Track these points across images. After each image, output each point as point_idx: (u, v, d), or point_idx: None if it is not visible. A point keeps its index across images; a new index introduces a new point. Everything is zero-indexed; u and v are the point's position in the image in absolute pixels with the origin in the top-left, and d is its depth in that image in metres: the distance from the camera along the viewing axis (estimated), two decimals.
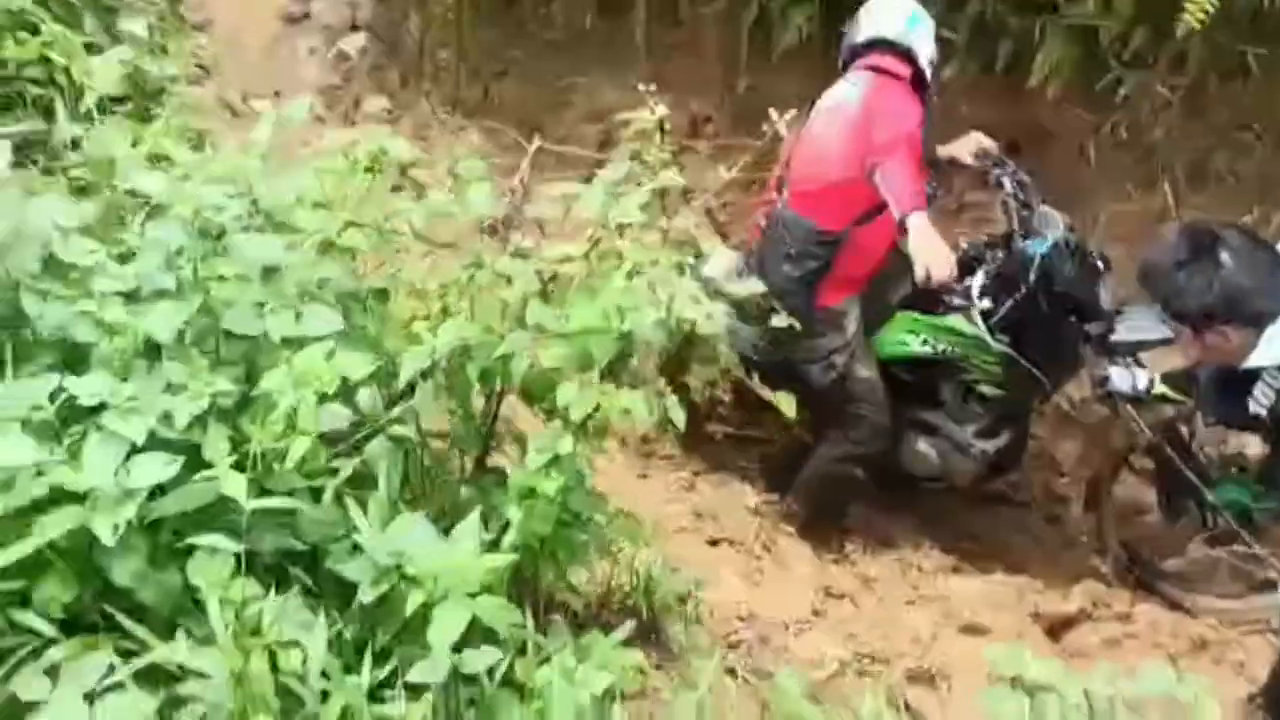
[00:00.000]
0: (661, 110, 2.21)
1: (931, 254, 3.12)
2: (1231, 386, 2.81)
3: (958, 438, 3.65)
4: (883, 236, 3.42)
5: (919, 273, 3.15)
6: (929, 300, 3.48)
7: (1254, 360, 2.68)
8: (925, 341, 3.54)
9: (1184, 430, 3.45)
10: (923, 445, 3.71)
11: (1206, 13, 3.29)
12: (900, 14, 3.51)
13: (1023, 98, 4.31)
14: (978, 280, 3.43)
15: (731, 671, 2.75)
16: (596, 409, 1.63)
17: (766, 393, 2.04)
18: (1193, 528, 3.54)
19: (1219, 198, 4.05)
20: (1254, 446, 3.40)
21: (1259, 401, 2.71)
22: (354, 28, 7.96)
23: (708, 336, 1.79)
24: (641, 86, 2.34)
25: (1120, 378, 3.35)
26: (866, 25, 3.55)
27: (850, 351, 3.53)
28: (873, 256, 3.43)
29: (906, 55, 3.46)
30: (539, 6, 6.15)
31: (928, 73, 3.50)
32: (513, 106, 6.42)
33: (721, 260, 3.71)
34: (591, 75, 6.03)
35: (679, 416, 1.93)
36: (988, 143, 3.69)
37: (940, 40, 4.31)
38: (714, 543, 3.70)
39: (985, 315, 3.43)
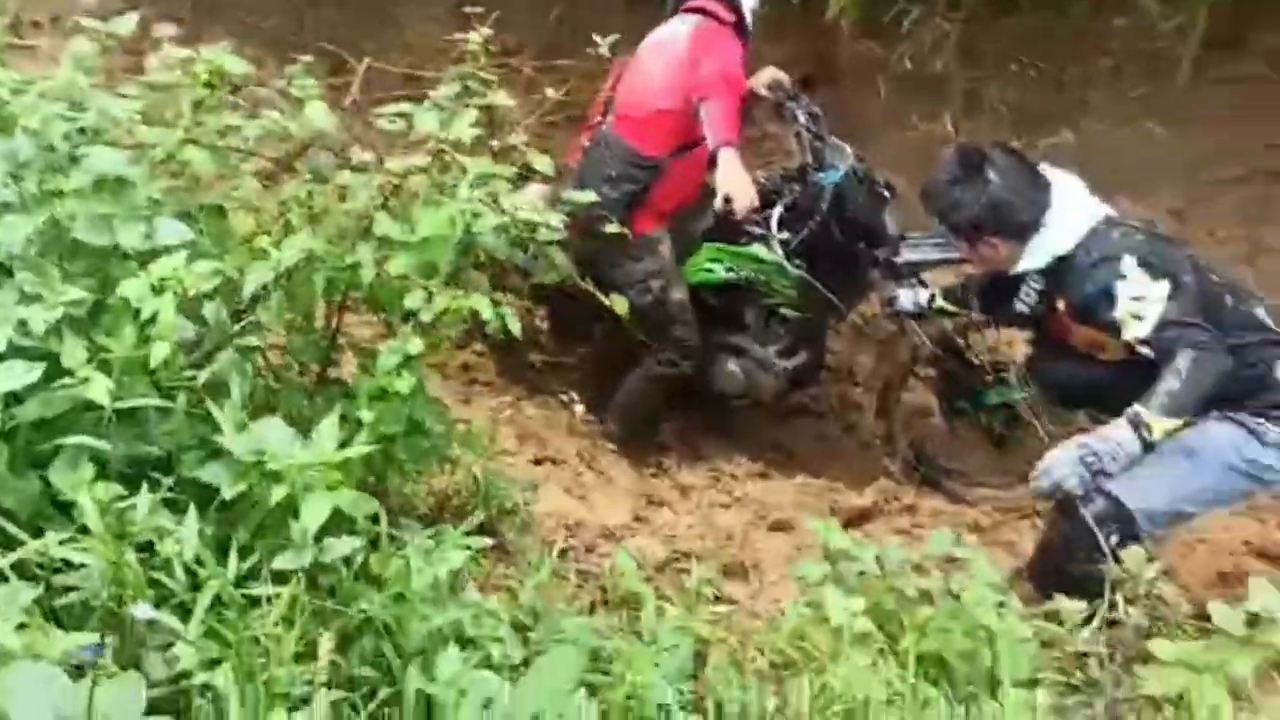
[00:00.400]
0: (486, 32, 2.29)
1: (735, 186, 3.34)
2: (1001, 290, 3.13)
3: (761, 357, 3.88)
4: (696, 169, 3.61)
5: (719, 203, 3.36)
6: (732, 231, 3.68)
7: (1020, 267, 2.99)
8: (729, 269, 3.75)
9: (960, 341, 3.77)
10: (730, 365, 3.93)
11: None
12: None
13: (819, 33, 4.54)
14: (775, 213, 3.62)
15: (562, 575, 2.91)
16: (445, 312, 1.74)
17: (601, 297, 2.17)
18: (970, 427, 3.90)
19: (993, 125, 4.41)
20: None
21: (1024, 301, 3.03)
22: None
23: (547, 245, 1.91)
24: (468, 8, 2.39)
25: (905, 297, 3.61)
26: None
27: (665, 276, 3.71)
28: (685, 187, 3.60)
29: (730, 2, 3.64)
30: None
31: (749, 20, 3.67)
32: (323, 36, 6.25)
33: (530, 194, 3.82)
34: (403, 4, 5.95)
35: (515, 325, 2.05)
36: (781, 76, 3.87)
37: None
38: (538, 461, 3.82)
39: (783, 243, 3.63)
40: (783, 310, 3.81)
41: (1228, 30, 3.94)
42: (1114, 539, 2.78)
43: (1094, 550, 2.85)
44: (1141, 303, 2.59)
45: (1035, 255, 2.87)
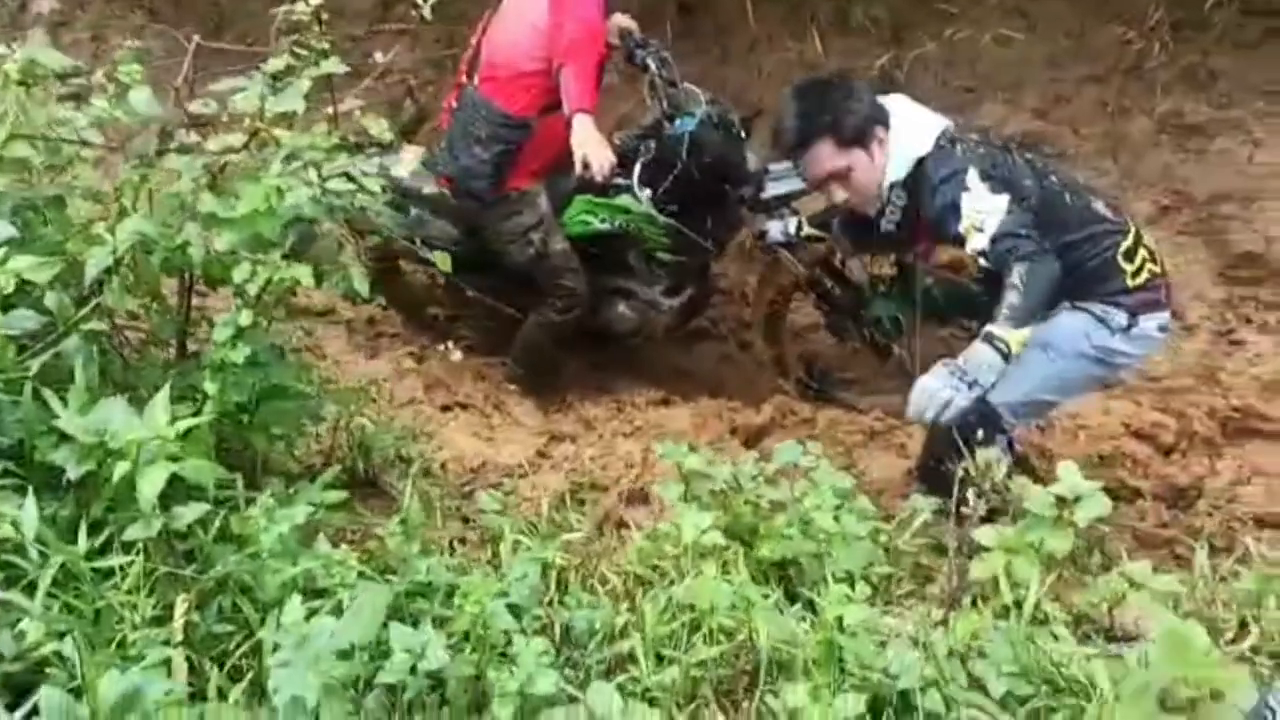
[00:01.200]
0: (315, 1, 2.33)
1: (591, 150, 3.39)
2: (860, 219, 3.20)
3: (649, 298, 3.99)
4: (565, 126, 3.66)
5: (578, 167, 3.42)
6: (600, 185, 3.72)
7: (887, 179, 3.01)
8: (604, 220, 3.82)
9: (836, 261, 3.88)
10: (621, 308, 4.03)
11: None
12: None
13: None
14: (635, 173, 3.63)
15: (465, 518, 3.02)
16: (269, 282, 1.82)
17: (426, 252, 2.26)
18: (855, 340, 4.03)
19: (860, 43, 4.50)
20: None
21: (890, 219, 3.09)
22: None
23: (365, 209, 1.99)
24: None
25: (774, 228, 3.69)
26: None
27: (545, 229, 3.78)
28: (556, 144, 3.58)
29: None
30: None
31: None
32: (193, 2, 6.19)
33: (408, 157, 3.87)
34: None
35: (363, 286, 2.14)
36: (630, 24, 3.90)
37: None
38: (446, 408, 3.94)
39: (646, 189, 3.65)
40: (660, 256, 3.91)
41: None
42: (979, 434, 2.95)
43: (965, 444, 3.04)
44: (983, 215, 2.70)
45: (895, 164, 2.92)
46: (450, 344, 3.44)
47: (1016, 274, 2.62)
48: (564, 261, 3.84)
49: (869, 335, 3.92)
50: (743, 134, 3.70)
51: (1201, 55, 4.09)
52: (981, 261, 2.74)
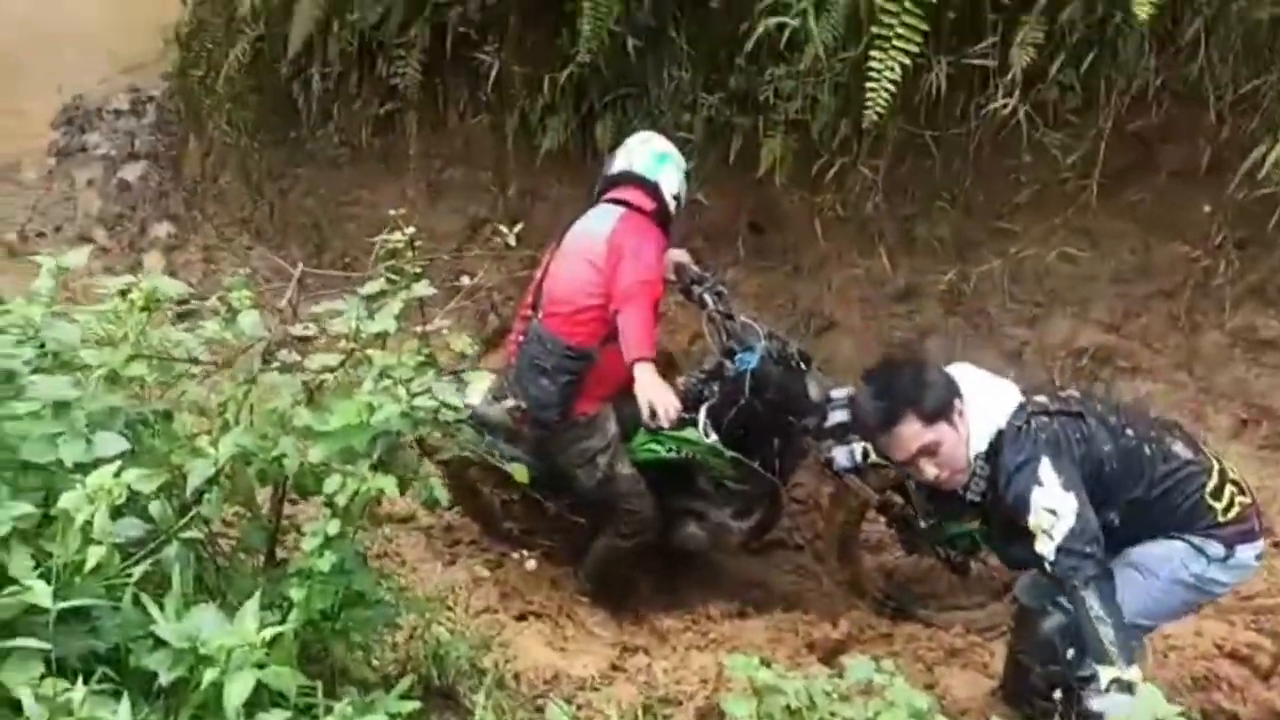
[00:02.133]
0: (410, 230, 2.53)
1: (656, 399, 3.52)
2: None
3: (719, 520, 4.07)
4: None
5: (644, 414, 3.54)
6: None
7: (972, 450, 3.01)
8: (670, 449, 3.93)
9: (909, 484, 3.88)
10: (691, 528, 4.12)
11: (884, 105, 3.86)
12: (650, 151, 3.91)
13: (756, 184, 4.84)
14: (702, 417, 3.77)
15: None
16: (357, 493, 1.93)
17: (503, 462, 2.36)
18: (931, 556, 3.99)
19: (926, 261, 4.66)
20: None
21: (974, 490, 2.99)
22: (133, 156, 8.02)
23: (448, 424, 2.11)
24: (392, 211, 2.64)
25: (841, 455, 3.68)
26: (620, 159, 3.94)
27: (612, 452, 3.88)
28: (621, 369, 3.68)
29: (653, 190, 3.84)
30: (317, 126, 6.39)
31: (672, 207, 3.87)
32: (298, 223, 6.64)
33: (479, 386, 4.03)
34: (370, 188, 6.32)
35: (442, 495, 2.25)
36: (685, 260, 4.12)
37: (681, 141, 4.85)
38: (521, 617, 3.97)
39: (716, 425, 3.80)
40: (728, 484, 4.00)
41: (1132, 154, 4.20)
42: (1070, 652, 2.90)
43: (1052, 663, 2.98)
44: (1052, 519, 2.73)
45: (977, 435, 2.93)
46: (525, 552, 3.51)
47: (1095, 606, 2.64)
48: (631, 486, 3.93)
49: (944, 553, 3.89)
50: (803, 365, 3.81)
51: (1269, 272, 4.15)
52: (1045, 565, 2.77)
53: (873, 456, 3.63)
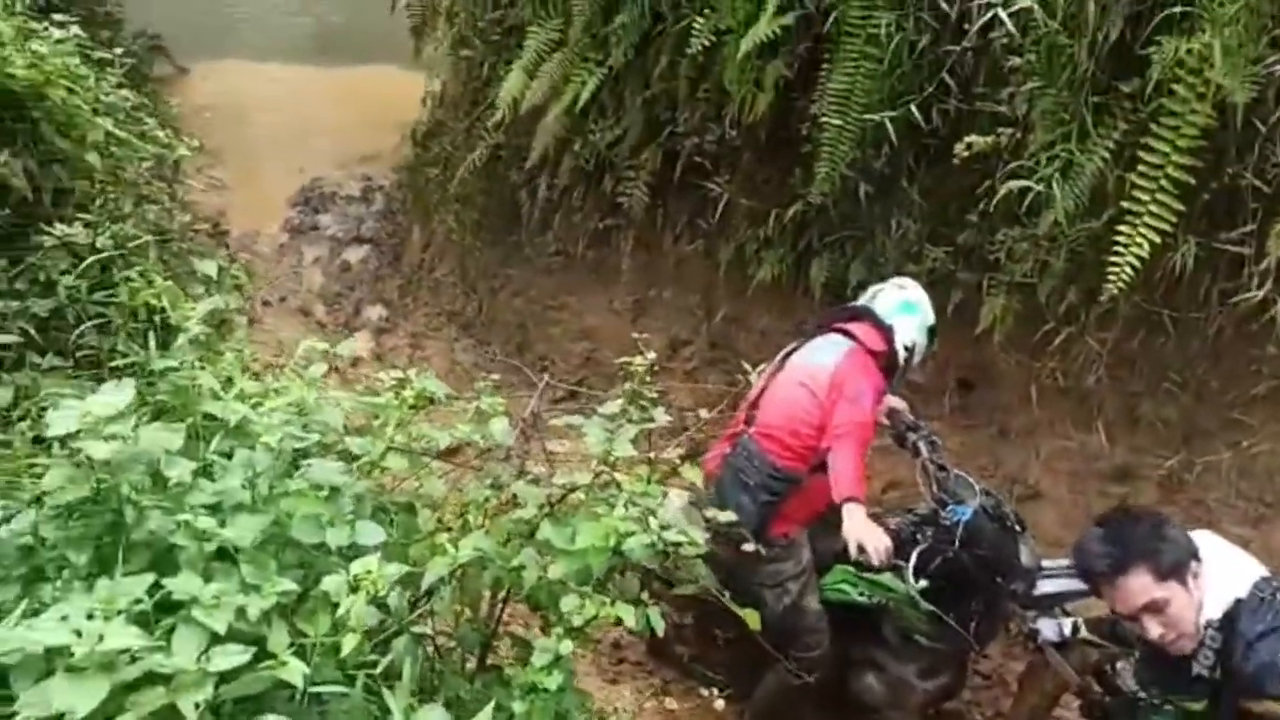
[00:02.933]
0: (651, 355, 2.58)
1: (866, 540, 3.41)
2: (1171, 660, 3.00)
3: (901, 675, 3.89)
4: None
5: (854, 552, 3.43)
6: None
7: (1203, 616, 2.85)
8: (863, 593, 3.82)
9: (1110, 670, 3.68)
10: (870, 680, 3.96)
11: (1126, 280, 3.76)
12: (899, 297, 3.87)
13: (973, 341, 4.76)
14: (911, 564, 3.60)
15: None
16: (594, 616, 1.93)
17: (736, 609, 2.33)
18: None
19: (1148, 441, 4.45)
20: None
21: (1202, 664, 2.87)
22: (358, 239, 8.54)
23: (689, 559, 2.11)
24: (635, 335, 2.71)
25: (1048, 627, 3.56)
26: (867, 295, 3.95)
27: (803, 581, 3.80)
28: (824, 498, 3.62)
29: (886, 333, 3.78)
30: (536, 233, 6.67)
31: (900, 355, 3.79)
32: (503, 321, 6.89)
33: (674, 503, 4.03)
34: (579, 296, 6.52)
35: (659, 624, 2.24)
36: (900, 406, 4.05)
37: None
38: None
39: (916, 575, 3.60)
40: (918, 639, 3.83)
41: None
42: None
43: None
44: None
45: (1211, 602, 2.75)
46: (715, 691, 3.43)
47: None
48: (815, 621, 3.82)
49: None
50: (1018, 527, 3.67)
51: None
52: None
53: (1083, 632, 3.47)
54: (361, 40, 10.19)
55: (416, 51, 7.57)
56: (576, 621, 1.96)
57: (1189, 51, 3.61)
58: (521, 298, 6.83)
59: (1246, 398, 4.20)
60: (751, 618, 2.33)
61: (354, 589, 1.78)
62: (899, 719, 3.97)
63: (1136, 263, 3.74)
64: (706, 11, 4.61)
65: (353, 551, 1.93)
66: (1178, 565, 2.72)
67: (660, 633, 2.27)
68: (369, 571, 1.77)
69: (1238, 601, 2.70)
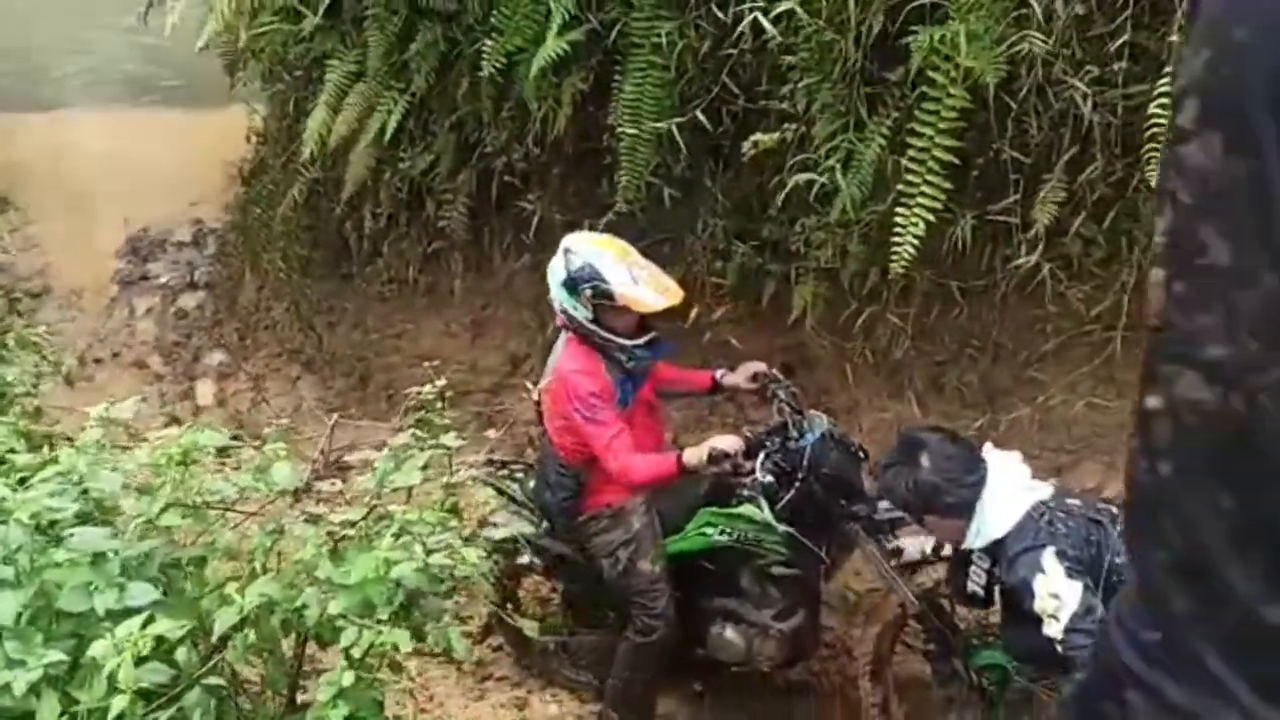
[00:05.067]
0: (440, 383, 2.66)
1: (717, 442, 3.61)
2: (960, 565, 3.31)
3: (759, 621, 4.03)
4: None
5: (711, 464, 3.61)
6: (724, 492, 3.95)
7: (964, 544, 3.20)
8: (723, 531, 3.95)
9: (944, 602, 3.87)
10: (728, 632, 4.07)
11: (909, 258, 3.97)
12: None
13: (788, 329, 4.95)
14: (759, 459, 3.75)
15: None
16: (372, 645, 2.00)
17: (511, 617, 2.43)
18: (962, 684, 3.93)
19: (955, 405, 4.70)
20: None
21: (974, 582, 3.21)
22: (192, 285, 8.36)
23: (467, 578, 2.19)
24: (427, 363, 2.78)
25: (911, 545, 3.76)
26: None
27: (633, 547, 3.89)
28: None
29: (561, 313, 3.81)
30: (366, 263, 6.65)
31: (574, 317, 3.75)
32: (343, 355, 6.85)
33: (502, 516, 4.11)
34: (415, 322, 6.53)
35: (459, 647, 2.32)
36: (761, 367, 4.21)
37: (714, 286, 4.99)
38: None
39: (771, 504, 3.82)
40: (774, 571, 3.98)
41: None
42: None
43: None
44: (1056, 603, 2.76)
45: (975, 536, 3.11)
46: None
47: None
48: (649, 582, 3.91)
49: (975, 680, 3.84)
50: (861, 455, 3.86)
51: None
52: (1059, 649, 2.78)
53: (944, 550, 3.67)
54: (191, 82, 9.93)
55: (231, 87, 7.44)
56: (357, 653, 2.02)
57: (941, 39, 3.83)
58: (359, 329, 6.80)
59: (1037, 355, 4.47)
60: (529, 626, 2.43)
61: (120, 651, 1.81)
62: (759, 666, 4.11)
63: (916, 241, 3.95)
64: (494, 35, 4.68)
65: (127, 615, 1.96)
66: (951, 509, 3.11)
67: (461, 655, 2.35)
68: (131, 633, 1.80)
69: (1008, 533, 2.99)
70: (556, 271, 3.78)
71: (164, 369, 7.45)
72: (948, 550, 3.65)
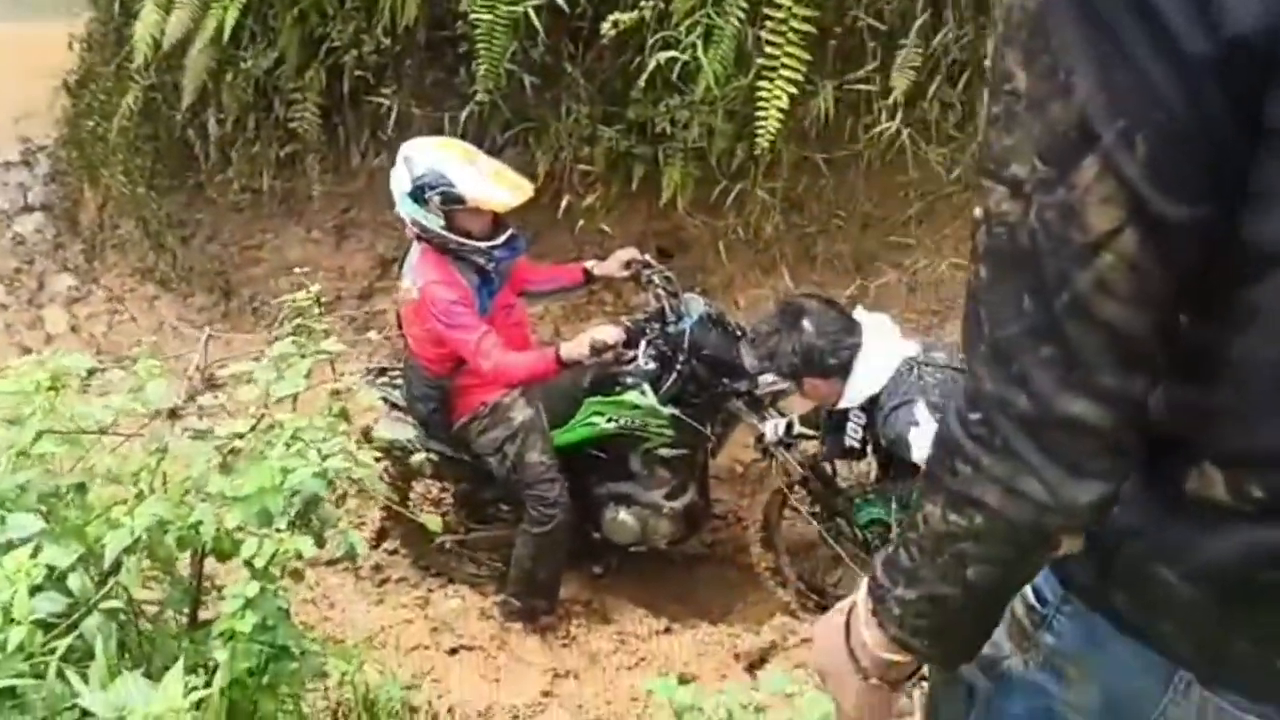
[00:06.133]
0: (315, 288, 2.58)
1: (596, 334, 3.61)
2: (836, 425, 3.46)
3: (651, 501, 4.14)
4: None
5: (589, 347, 3.59)
6: (608, 381, 3.99)
7: (841, 403, 3.33)
8: (610, 419, 4.01)
9: (826, 465, 4.03)
10: (622, 514, 4.17)
11: (774, 132, 4.00)
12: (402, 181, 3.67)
13: (660, 212, 4.96)
14: (642, 348, 3.81)
15: None
16: (275, 555, 1.98)
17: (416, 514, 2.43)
18: (852, 548, 4.13)
19: (827, 275, 4.82)
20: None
21: (852, 437, 3.35)
22: (27, 208, 7.88)
23: (361, 482, 2.18)
24: (298, 270, 2.70)
25: (770, 429, 3.90)
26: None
27: (520, 440, 3.90)
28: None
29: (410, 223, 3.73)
30: (216, 172, 6.37)
31: (421, 225, 3.67)
32: (202, 270, 6.59)
33: (385, 422, 4.07)
34: (275, 231, 6.31)
35: (361, 546, 2.31)
36: (633, 253, 4.22)
37: (582, 174, 4.94)
38: (453, 651, 4.01)
39: (654, 389, 3.92)
40: (663, 453, 4.07)
41: None
42: None
43: None
44: None
45: (851, 395, 3.24)
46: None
47: None
48: (541, 472, 3.93)
49: (861, 537, 4.02)
50: (738, 333, 3.93)
51: None
52: None
53: (798, 429, 3.80)
54: None
55: None
56: (259, 563, 2.00)
57: None
58: (215, 242, 6.54)
59: (903, 220, 4.60)
60: (432, 522, 2.43)
61: (11, 584, 1.76)
62: (654, 545, 4.23)
63: (780, 114, 3.98)
64: None
65: (10, 548, 1.89)
66: (834, 369, 3.24)
67: (362, 555, 2.34)
68: (20, 564, 1.74)
69: (882, 387, 3.14)
70: (400, 182, 3.64)
71: (7, 298, 7.05)
72: (799, 429, 3.85)
